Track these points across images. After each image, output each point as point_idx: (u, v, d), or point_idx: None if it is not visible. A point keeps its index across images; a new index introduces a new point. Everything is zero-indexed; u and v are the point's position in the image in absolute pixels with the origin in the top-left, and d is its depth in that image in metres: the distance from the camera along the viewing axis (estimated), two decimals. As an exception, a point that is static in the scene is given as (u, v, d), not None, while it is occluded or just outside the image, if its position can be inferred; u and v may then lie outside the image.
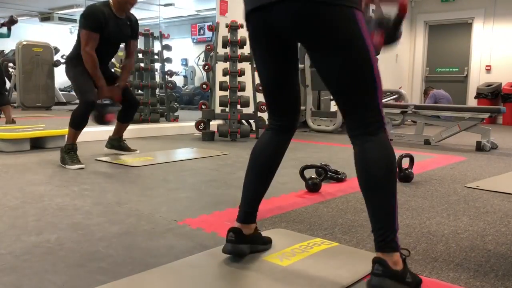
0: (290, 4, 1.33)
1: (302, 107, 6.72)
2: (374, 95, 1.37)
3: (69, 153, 3.30)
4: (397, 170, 3.03)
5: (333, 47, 1.33)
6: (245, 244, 1.60)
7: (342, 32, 1.31)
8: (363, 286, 1.43)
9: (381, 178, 1.39)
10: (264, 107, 5.28)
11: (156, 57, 6.55)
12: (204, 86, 5.35)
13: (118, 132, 3.85)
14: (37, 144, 4.09)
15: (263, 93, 1.62)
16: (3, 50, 9.89)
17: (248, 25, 1.52)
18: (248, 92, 5.46)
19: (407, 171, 3.02)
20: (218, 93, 5.57)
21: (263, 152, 1.64)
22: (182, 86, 11.64)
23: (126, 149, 3.88)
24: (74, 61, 3.37)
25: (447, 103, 6.95)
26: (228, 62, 5.25)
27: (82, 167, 3.23)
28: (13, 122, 5.29)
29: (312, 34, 1.34)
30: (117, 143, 3.86)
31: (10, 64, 8.59)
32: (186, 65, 12.80)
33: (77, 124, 3.32)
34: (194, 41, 12.74)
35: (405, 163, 3.04)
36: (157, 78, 6.77)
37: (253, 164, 1.68)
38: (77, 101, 3.41)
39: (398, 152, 4.32)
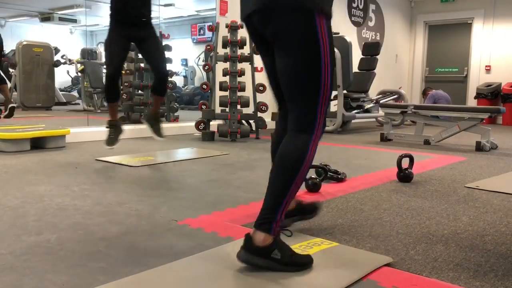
0: (259, 12, 1.50)
1: (302, 107, 6.72)
2: (314, 99, 1.49)
3: (109, 129, 3.55)
4: (397, 170, 3.05)
5: (288, 48, 1.46)
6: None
7: (296, 35, 1.44)
8: (363, 286, 1.43)
9: (282, 169, 1.51)
10: (264, 107, 5.28)
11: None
12: (204, 86, 5.35)
13: (154, 106, 3.79)
14: (37, 144, 4.09)
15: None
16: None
17: (247, 29, 1.70)
18: (248, 92, 5.46)
19: (407, 171, 3.03)
20: (218, 93, 5.57)
21: (278, 138, 1.75)
22: (182, 86, 11.63)
23: (157, 132, 3.74)
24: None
25: (446, 103, 6.96)
26: (228, 62, 5.25)
27: (111, 148, 3.54)
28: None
29: (274, 37, 1.50)
30: (153, 120, 3.76)
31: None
32: (186, 65, 12.80)
33: (106, 97, 3.54)
34: (194, 41, 12.74)
35: (405, 163, 3.04)
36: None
37: (274, 152, 1.81)
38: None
39: (398, 152, 4.34)
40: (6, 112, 5.81)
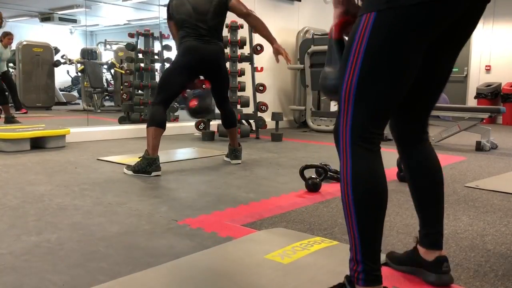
0: None
1: (302, 107, 6.74)
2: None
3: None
4: (397, 170, 3.05)
5: (463, 45, 1.37)
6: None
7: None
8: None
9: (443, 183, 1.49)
10: (264, 107, 5.28)
11: (156, 57, 6.55)
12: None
13: (230, 140, 3.67)
14: (37, 144, 4.09)
15: None
16: None
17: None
18: (248, 92, 5.46)
19: (407, 171, 3.02)
20: (218, 93, 5.56)
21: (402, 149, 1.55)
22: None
23: (235, 157, 3.65)
24: None
25: (444, 104, 6.95)
26: (228, 62, 5.25)
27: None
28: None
29: (467, 31, 1.34)
30: (230, 152, 3.67)
31: (10, 65, 8.60)
32: (186, 65, 12.78)
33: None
34: (194, 41, 12.72)
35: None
36: (157, 78, 6.77)
37: None
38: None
39: (398, 152, 4.32)
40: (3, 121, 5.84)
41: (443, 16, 1.16)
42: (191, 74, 3.31)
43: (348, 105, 1.20)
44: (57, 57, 8.71)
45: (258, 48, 5.37)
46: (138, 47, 6.26)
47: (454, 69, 1.51)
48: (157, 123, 3.12)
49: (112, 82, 9.23)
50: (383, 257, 1.56)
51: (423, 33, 1.16)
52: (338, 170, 3.00)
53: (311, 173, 2.90)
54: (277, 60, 3.28)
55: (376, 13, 1.14)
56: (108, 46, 10.34)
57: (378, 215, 1.21)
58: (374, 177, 1.20)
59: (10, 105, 6.20)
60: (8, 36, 6.37)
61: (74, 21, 10.67)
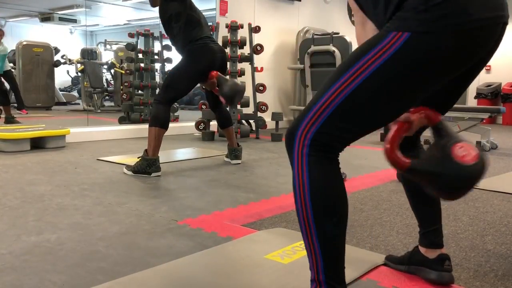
0: (504, 19, 1.14)
1: (302, 107, 6.73)
2: None
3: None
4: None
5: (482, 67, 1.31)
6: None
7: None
8: (363, 284, 1.43)
9: None
10: (264, 107, 5.28)
11: (156, 57, 6.55)
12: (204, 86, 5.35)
13: (228, 140, 3.66)
14: (37, 144, 4.09)
15: None
16: None
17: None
18: (248, 92, 5.46)
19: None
20: (218, 93, 5.56)
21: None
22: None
23: (235, 157, 3.64)
24: None
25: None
26: (228, 62, 5.25)
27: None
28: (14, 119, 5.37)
29: (489, 54, 1.24)
30: (230, 152, 3.65)
31: (10, 64, 8.62)
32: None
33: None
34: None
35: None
36: (157, 78, 6.77)
37: None
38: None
39: (398, 152, 4.32)
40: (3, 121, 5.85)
41: (485, 45, 1.04)
42: (201, 79, 3.27)
43: (323, 111, 1.06)
44: (57, 57, 8.71)
45: (258, 48, 5.37)
46: (138, 47, 6.25)
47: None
48: (161, 123, 3.07)
49: (112, 82, 9.22)
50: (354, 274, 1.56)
51: (457, 66, 1.03)
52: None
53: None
54: None
55: (410, 34, 0.98)
56: (108, 46, 10.34)
57: (341, 228, 1.09)
58: (333, 186, 1.08)
59: (13, 104, 6.21)
60: None
61: (74, 21, 10.66)
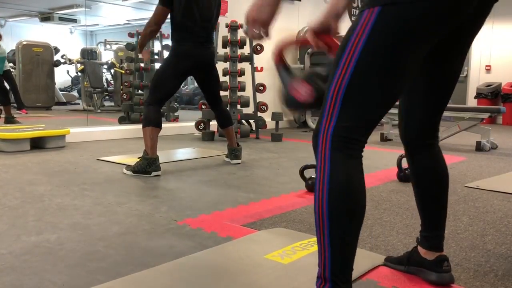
0: None
1: (302, 107, 6.73)
2: None
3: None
4: (398, 170, 3.05)
5: (470, 43, 1.34)
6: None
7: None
8: (362, 284, 1.43)
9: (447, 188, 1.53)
10: (264, 107, 5.28)
11: (156, 57, 6.55)
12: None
13: (228, 140, 3.67)
14: (37, 144, 4.09)
15: None
16: None
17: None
18: (248, 92, 5.46)
19: (407, 171, 3.02)
20: (218, 93, 5.56)
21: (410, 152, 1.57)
22: (182, 86, 11.63)
23: (235, 157, 3.64)
24: None
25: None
26: (228, 62, 5.25)
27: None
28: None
29: (474, 31, 1.32)
30: (230, 152, 3.65)
31: (10, 64, 8.62)
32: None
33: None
34: (194, 41, 12.71)
35: (405, 163, 3.03)
36: (157, 78, 6.77)
37: None
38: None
39: (398, 152, 4.33)
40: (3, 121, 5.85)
41: (456, 12, 1.06)
42: (185, 77, 3.40)
43: (334, 106, 1.09)
44: (57, 57, 8.71)
45: (258, 48, 5.37)
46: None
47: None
48: (154, 123, 3.15)
49: (112, 82, 9.23)
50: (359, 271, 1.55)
51: (432, 32, 1.06)
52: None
53: (311, 173, 2.90)
54: None
55: (380, 8, 1.04)
56: (108, 46, 10.35)
57: (354, 228, 1.09)
58: (353, 187, 1.08)
59: (12, 104, 6.21)
60: None
61: (74, 21, 10.67)
